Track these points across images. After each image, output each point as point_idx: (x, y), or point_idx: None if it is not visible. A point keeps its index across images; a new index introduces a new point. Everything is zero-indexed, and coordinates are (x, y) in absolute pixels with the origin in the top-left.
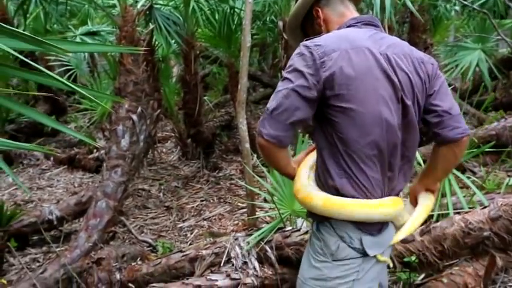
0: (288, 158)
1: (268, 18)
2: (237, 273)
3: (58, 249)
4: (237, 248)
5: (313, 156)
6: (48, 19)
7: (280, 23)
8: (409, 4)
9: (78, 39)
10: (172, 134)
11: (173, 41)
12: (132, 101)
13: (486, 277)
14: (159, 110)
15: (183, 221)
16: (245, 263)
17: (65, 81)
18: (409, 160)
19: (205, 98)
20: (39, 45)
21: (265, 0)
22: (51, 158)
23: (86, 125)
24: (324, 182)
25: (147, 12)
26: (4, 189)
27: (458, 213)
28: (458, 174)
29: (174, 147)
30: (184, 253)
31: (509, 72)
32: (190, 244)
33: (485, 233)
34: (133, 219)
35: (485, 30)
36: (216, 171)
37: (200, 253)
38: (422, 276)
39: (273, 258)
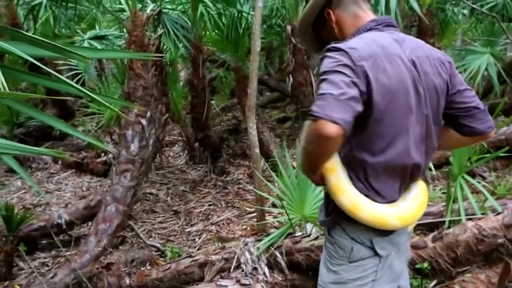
0: None
1: (274, 22)
2: (247, 279)
3: (68, 253)
4: (246, 254)
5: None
6: (57, 23)
7: (289, 27)
8: (416, 7)
9: (86, 44)
10: (180, 138)
11: (181, 45)
12: (141, 105)
13: (500, 284)
14: (167, 114)
15: (191, 226)
16: (255, 268)
17: (77, 86)
18: (425, 168)
19: (212, 102)
20: (60, 52)
21: (272, 4)
22: (59, 162)
23: (93, 129)
24: None
25: (156, 16)
26: (13, 192)
27: (470, 219)
28: (470, 179)
29: (182, 151)
30: (194, 258)
31: None
32: (198, 249)
33: (500, 240)
34: (141, 224)
35: (494, 33)
36: (224, 176)
37: (210, 258)
38: (434, 282)
39: (283, 264)
